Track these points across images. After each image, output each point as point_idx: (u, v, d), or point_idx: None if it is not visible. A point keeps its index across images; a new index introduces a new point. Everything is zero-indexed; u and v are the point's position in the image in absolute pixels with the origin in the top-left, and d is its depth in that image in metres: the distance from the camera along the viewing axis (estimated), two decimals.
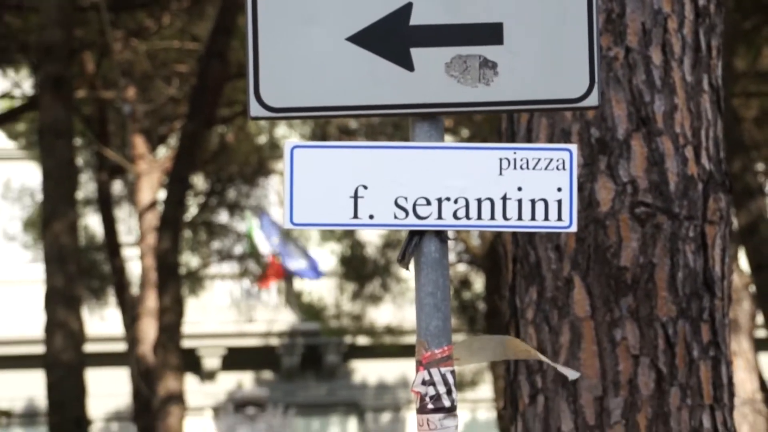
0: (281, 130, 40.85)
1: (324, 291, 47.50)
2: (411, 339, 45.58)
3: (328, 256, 46.27)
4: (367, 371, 52.15)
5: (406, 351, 46.64)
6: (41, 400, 28.80)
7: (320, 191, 5.29)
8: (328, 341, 51.31)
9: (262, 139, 40.89)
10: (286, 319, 50.65)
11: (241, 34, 29.86)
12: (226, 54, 28.42)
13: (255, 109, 5.21)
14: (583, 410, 6.35)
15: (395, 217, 5.29)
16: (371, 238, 44.89)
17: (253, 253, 42.85)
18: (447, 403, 5.15)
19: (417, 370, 5.14)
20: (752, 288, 24.90)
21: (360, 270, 45.10)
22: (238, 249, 43.24)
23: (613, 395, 6.18)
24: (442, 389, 5.17)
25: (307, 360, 51.93)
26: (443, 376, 5.15)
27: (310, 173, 5.30)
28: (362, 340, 49.42)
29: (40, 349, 25.77)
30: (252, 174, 41.28)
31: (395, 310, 45.97)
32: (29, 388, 38.01)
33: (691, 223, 6.26)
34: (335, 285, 47.09)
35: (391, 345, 47.87)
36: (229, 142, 37.42)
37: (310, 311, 49.63)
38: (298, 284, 44.89)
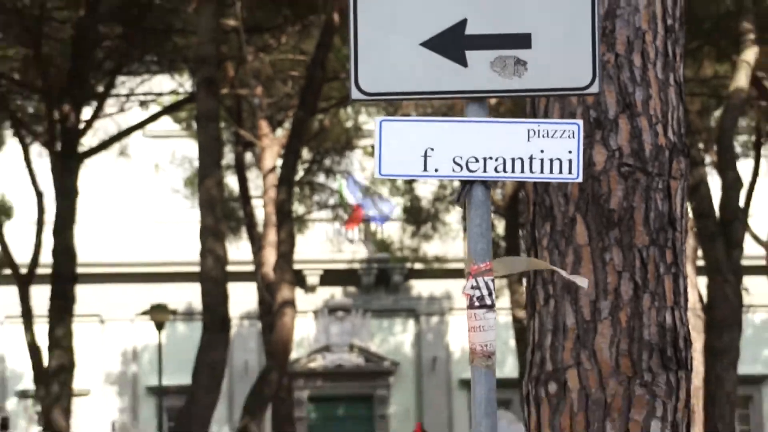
0: (362, 117, 41.04)
1: (391, 231, 47.57)
2: (453, 265, 45.73)
3: (395, 206, 46.45)
4: (421, 287, 52.07)
5: (449, 273, 46.76)
6: (198, 304, 28.61)
7: (399, 151, 5.49)
8: (394, 266, 51.18)
9: (349, 124, 41.07)
10: (364, 250, 50.76)
11: (336, 49, 29.89)
12: (325, 63, 28.49)
13: (355, 94, 5.49)
14: (581, 309, 6.30)
15: (453, 171, 5.46)
16: (425, 194, 44.94)
17: (342, 203, 42.90)
18: (488, 302, 5.27)
19: (467, 279, 5.25)
20: (695, 229, 24.76)
21: (417, 216, 45.20)
22: (332, 201, 43.21)
23: (603, 299, 6.15)
24: (485, 292, 5.33)
25: (379, 279, 51.86)
26: (486, 283, 5.29)
27: (393, 139, 5.46)
28: (418, 266, 49.39)
29: (197, 269, 25.92)
30: (341, 148, 41.48)
31: (441, 245, 45.95)
32: (190, 295, 37.89)
33: (660, 178, 6.25)
34: (399, 227, 47.08)
35: (438, 269, 47.93)
36: (326, 126, 37.50)
37: (381, 245, 49.75)
38: (372, 226, 44.95)
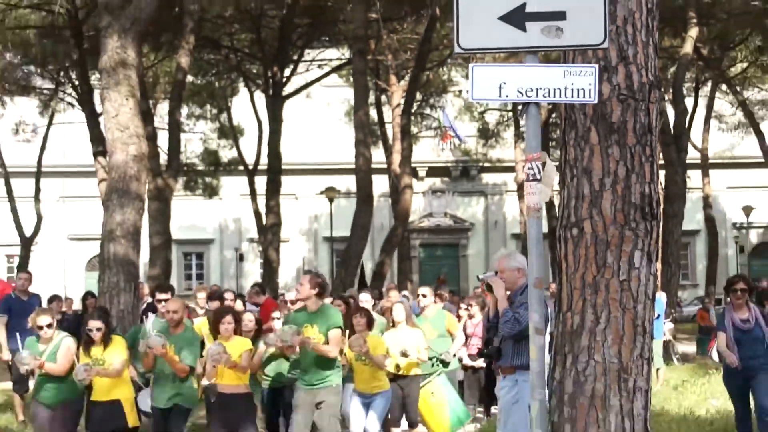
0: (453, 73, 40.18)
1: (470, 143, 47.15)
2: (507, 164, 45.42)
3: (471, 128, 45.92)
4: (487, 178, 51.73)
5: (505, 169, 46.50)
6: (353, 186, 28.09)
7: (484, 85, 5.87)
8: (471, 165, 50.98)
9: (444, 78, 40.15)
10: (452, 155, 50.46)
11: (437, 31, 29.35)
12: (430, 40, 28.00)
13: (457, 49, 5.98)
14: (593, 183, 6.41)
15: (517, 96, 5.85)
16: (490, 120, 44.41)
17: (439, 126, 42.26)
18: (539, 177, 5.37)
19: (524, 164, 5.45)
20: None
21: (485, 134, 44.50)
22: (434, 125, 42.62)
23: (607, 177, 6.18)
24: (535, 171, 5.77)
25: (462, 173, 51.59)
26: (536, 165, 5.63)
27: (479, 78, 5.87)
28: (487, 164, 49.10)
29: (353, 165, 25.21)
30: (439, 92, 40.62)
31: (500, 151, 45.38)
32: (349, 181, 38.05)
33: (643, 103, 6.32)
34: (475, 140, 46.58)
35: (498, 166, 47.58)
36: (430, 78, 36.94)
37: (463, 151, 49.38)
38: (456, 141, 44.31)
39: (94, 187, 28.38)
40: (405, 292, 14.23)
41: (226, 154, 39.35)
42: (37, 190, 37.25)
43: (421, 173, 49.51)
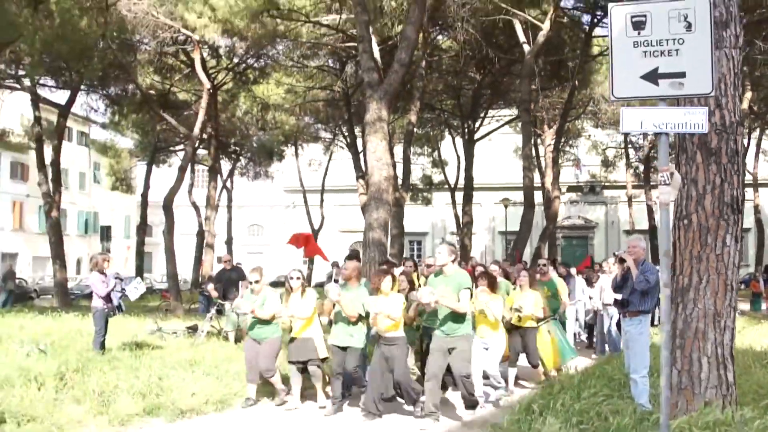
0: (585, 123, 38.66)
1: (595, 170, 45.24)
2: (622, 183, 43.18)
3: (596, 159, 44.11)
4: (608, 192, 49.60)
5: (619, 186, 44.16)
6: None
7: (630, 122, 5.54)
8: (597, 184, 49.10)
9: (579, 127, 38.51)
10: (582, 177, 48.49)
11: (576, 96, 28.34)
12: (571, 101, 26.92)
13: (612, 98, 5.76)
14: (699, 182, 6.34)
15: (653, 128, 5.41)
16: (609, 154, 42.60)
17: (574, 159, 40.75)
18: (668, 182, 5.19)
19: (659, 174, 5.19)
20: None
21: (606, 163, 42.83)
22: (572, 158, 41.05)
23: (707, 183, 6.24)
24: (666, 179, 5.28)
25: (590, 189, 49.83)
26: (667, 175, 5.20)
27: (627, 116, 5.40)
28: (606, 183, 47.02)
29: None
30: (576, 136, 39.01)
31: (615, 174, 43.50)
32: None
33: (732, 134, 6.33)
34: (599, 168, 44.74)
35: (614, 184, 45.40)
36: (569, 128, 35.38)
37: (591, 175, 47.37)
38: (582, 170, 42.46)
39: (355, 198, 29.32)
40: (542, 261, 12.62)
41: (436, 177, 39.74)
42: (321, 200, 38.47)
43: (564, 189, 47.82)
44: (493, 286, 8.92)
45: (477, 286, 8.85)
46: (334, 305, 8.47)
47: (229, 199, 37.82)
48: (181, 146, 34.71)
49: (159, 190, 32.62)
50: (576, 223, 51.57)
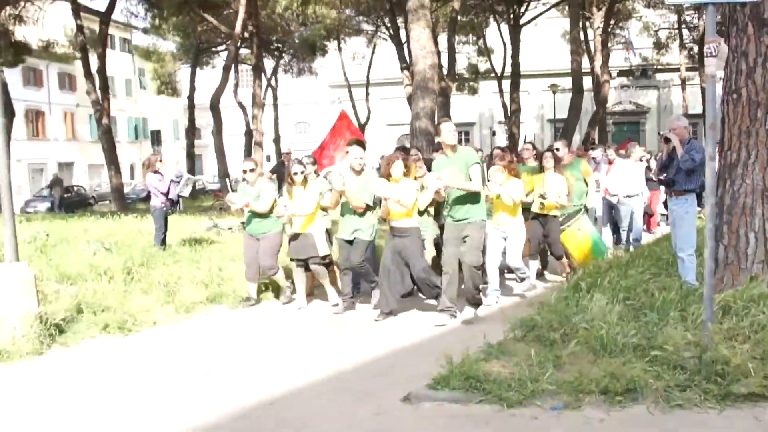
0: (636, 4, 37.03)
1: (646, 52, 43.81)
2: (675, 66, 41.74)
3: (648, 41, 42.51)
4: (660, 76, 47.99)
5: (672, 69, 42.41)
6: None
7: None
8: (649, 67, 47.47)
9: (630, 8, 36.89)
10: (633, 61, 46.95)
11: None
12: None
13: None
14: (750, 54, 6.18)
15: None
16: (662, 35, 41.00)
17: (625, 42, 39.43)
18: (715, 54, 5.13)
19: (706, 45, 5.11)
20: None
21: (658, 45, 40.98)
22: (622, 41, 39.71)
23: (759, 55, 5.95)
24: (713, 50, 5.14)
25: (641, 73, 48.24)
26: (714, 47, 5.13)
27: None
28: (659, 67, 45.39)
29: None
30: (626, 17, 37.55)
31: (668, 57, 41.94)
32: None
33: None
34: (650, 51, 43.16)
35: (667, 67, 43.85)
36: (620, 8, 33.91)
37: (642, 58, 45.87)
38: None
39: (401, 90, 29.03)
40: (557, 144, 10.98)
41: (482, 66, 38.90)
42: (367, 94, 38.10)
43: (614, 74, 46.41)
44: (510, 166, 8.09)
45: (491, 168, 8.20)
46: (340, 196, 7.80)
47: (275, 98, 37.87)
48: (223, 46, 34.67)
49: (204, 92, 32.93)
50: (627, 108, 50.20)
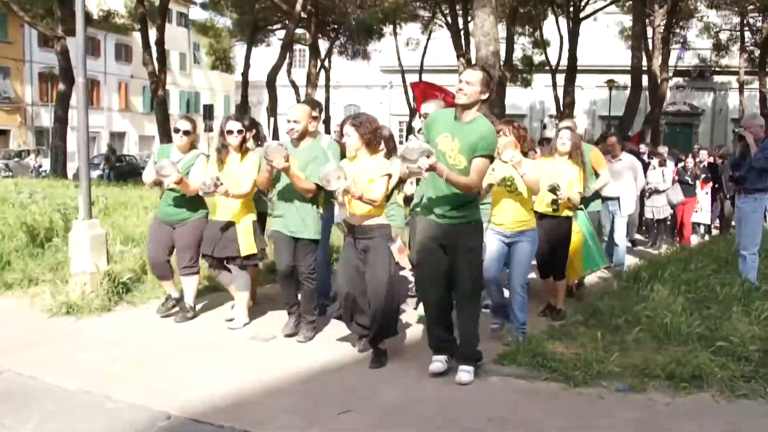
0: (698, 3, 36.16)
1: (705, 53, 42.73)
2: (734, 69, 40.75)
3: (707, 42, 41.50)
4: (717, 78, 46.90)
5: (731, 72, 41.49)
6: None
7: None
8: (706, 68, 46.36)
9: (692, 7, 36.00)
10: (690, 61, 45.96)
11: None
12: None
13: None
14: None
15: None
16: (722, 37, 40.08)
17: (683, 41, 38.46)
18: None
19: None
20: None
21: (718, 47, 40.22)
22: (681, 40, 38.84)
23: None
24: None
25: (698, 74, 47.08)
26: None
27: None
28: (717, 69, 44.31)
29: None
30: (687, 17, 36.73)
31: (727, 59, 41.05)
32: None
33: None
34: (709, 52, 42.23)
35: (725, 69, 42.75)
36: (681, 7, 33.32)
37: (701, 58, 44.93)
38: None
39: (453, 78, 28.81)
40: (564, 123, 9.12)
41: (537, 58, 38.65)
42: (420, 80, 38.04)
43: (670, 73, 45.59)
44: (523, 142, 5.82)
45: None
46: (275, 173, 5.60)
47: (327, 79, 38.06)
48: (279, 25, 34.95)
49: (257, 69, 33.28)
50: (681, 109, 49.30)
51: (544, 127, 47.89)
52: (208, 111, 30.98)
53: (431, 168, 4.47)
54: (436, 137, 4.74)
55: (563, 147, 6.53)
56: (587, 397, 4.52)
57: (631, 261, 9.29)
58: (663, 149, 14.31)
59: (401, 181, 5.88)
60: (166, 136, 26.89)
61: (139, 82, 46.00)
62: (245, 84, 32.45)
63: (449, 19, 30.60)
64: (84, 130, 7.05)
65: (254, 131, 6.60)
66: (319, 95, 33.72)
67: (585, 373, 4.76)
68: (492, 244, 5.69)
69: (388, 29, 36.86)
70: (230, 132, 5.91)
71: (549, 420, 4.15)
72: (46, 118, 40.32)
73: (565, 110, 30.30)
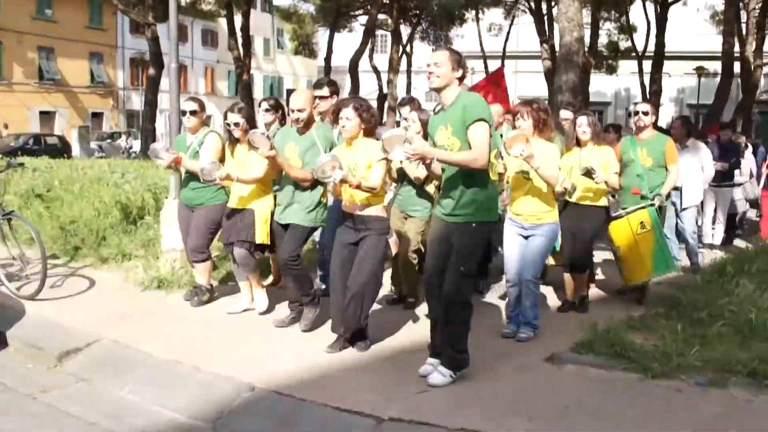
0: None
1: None
2: None
3: None
4: None
5: None
6: None
7: None
8: None
9: None
10: None
11: None
12: None
13: None
14: None
15: None
16: None
17: None
18: None
19: None
20: None
21: None
22: None
23: None
24: None
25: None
26: None
27: None
28: None
29: None
30: None
31: None
32: None
33: None
34: None
35: None
36: None
37: None
38: None
39: (536, 64, 28.54)
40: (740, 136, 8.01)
41: (623, 44, 37.62)
42: (502, 66, 37.54)
43: (765, 60, 43.56)
44: (544, 126, 5.31)
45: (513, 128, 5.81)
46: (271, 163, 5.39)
47: (409, 64, 38.13)
48: (361, 11, 35.19)
49: (340, 55, 33.64)
50: None
51: (629, 115, 46.68)
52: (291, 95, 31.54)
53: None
54: (434, 136, 4.53)
55: (584, 135, 6.09)
56: (665, 389, 4.45)
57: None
58: (741, 139, 13.50)
59: (427, 178, 5.73)
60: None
61: (224, 67, 47.32)
62: (327, 69, 32.83)
63: (533, 4, 30.15)
64: (176, 112, 7.21)
65: (279, 112, 6.54)
66: (401, 81, 33.91)
67: (663, 365, 4.67)
68: (509, 239, 5.43)
69: (470, 14, 36.59)
70: (236, 124, 5.82)
71: (625, 410, 4.13)
72: (136, 101, 42.01)
73: (652, 98, 29.45)
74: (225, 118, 5.88)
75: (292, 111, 5.36)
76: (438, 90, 4.41)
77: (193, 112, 6.07)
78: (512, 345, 5.36)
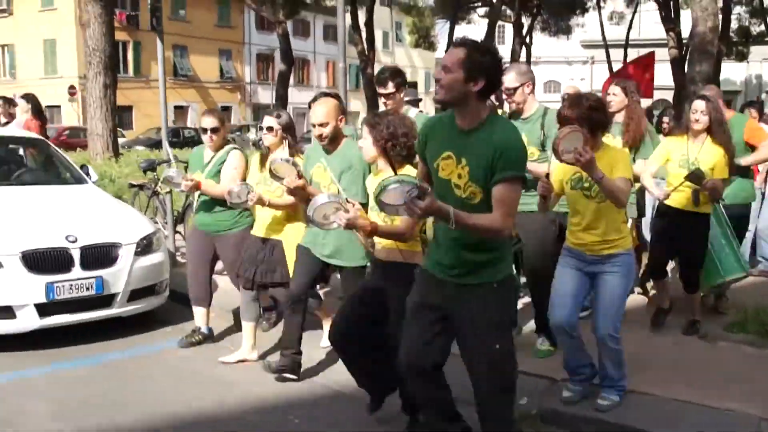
0: None
1: None
2: None
3: None
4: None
5: None
6: None
7: None
8: None
9: None
10: None
11: None
12: None
13: None
14: None
15: None
16: None
17: None
18: None
19: None
20: None
21: None
22: None
23: None
24: None
25: None
26: None
27: None
28: None
29: None
30: None
31: None
32: None
33: None
34: None
35: None
36: None
37: None
38: None
39: (662, 53, 27.73)
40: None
41: (755, 29, 36.01)
42: (625, 55, 36.33)
43: None
44: (601, 127, 3.73)
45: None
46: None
47: (528, 55, 37.95)
48: (480, 2, 35.33)
49: None
50: None
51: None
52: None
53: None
54: (435, 159, 2.91)
55: (697, 125, 4.83)
56: None
57: None
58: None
59: None
60: (373, 109, 28.33)
61: (346, 61, 48.32)
62: None
63: None
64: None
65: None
66: None
67: None
68: (564, 274, 3.91)
69: (591, 3, 36.06)
70: (270, 129, 4.73)
71: None
72: (262, 95, 43.96)
73: None
74: (262, 120, 5.03)
75: (313, 126, 4.27)
76: (444, 106, 2.86)
77: (214, 130, 5.07)
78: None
